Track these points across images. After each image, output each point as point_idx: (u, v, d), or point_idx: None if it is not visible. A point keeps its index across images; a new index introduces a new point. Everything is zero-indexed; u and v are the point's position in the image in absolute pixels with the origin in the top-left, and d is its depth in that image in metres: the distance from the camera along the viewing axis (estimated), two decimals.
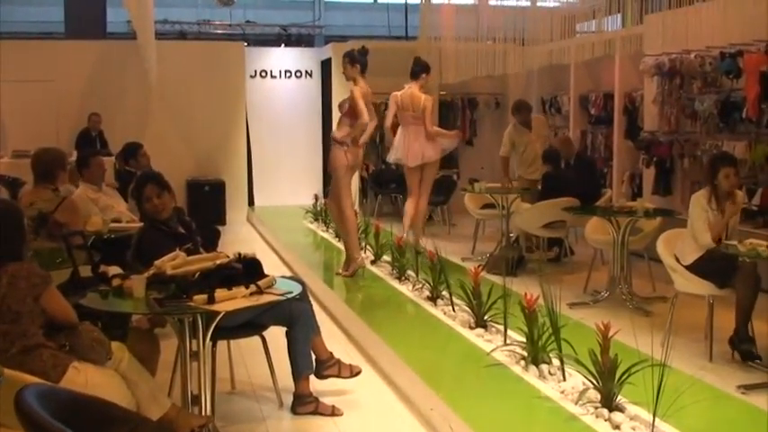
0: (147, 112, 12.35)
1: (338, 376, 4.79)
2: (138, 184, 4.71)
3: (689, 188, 8.35)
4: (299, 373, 4.52)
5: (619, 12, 10.61)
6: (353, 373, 4.84)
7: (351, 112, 7.56)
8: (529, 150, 9.36)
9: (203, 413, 3.90)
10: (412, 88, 8.45)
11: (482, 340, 5.57)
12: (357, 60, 7.63)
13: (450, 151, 9.08)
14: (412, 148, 8.44)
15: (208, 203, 12.35)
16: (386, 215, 11.65)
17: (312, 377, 4.62)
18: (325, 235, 10.59)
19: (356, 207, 8.85)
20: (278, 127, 14.18)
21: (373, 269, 8.10)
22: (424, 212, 9.00)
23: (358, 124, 7.56)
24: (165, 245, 4.28)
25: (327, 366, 4.75)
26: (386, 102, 8.91)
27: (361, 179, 12.64)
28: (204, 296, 3.70)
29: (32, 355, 3.41)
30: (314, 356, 4.67)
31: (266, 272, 4.09)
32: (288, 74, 14.44)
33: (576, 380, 4.53)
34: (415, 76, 8.52)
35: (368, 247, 8.66)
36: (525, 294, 5.00)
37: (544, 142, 9.79)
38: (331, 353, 4.80)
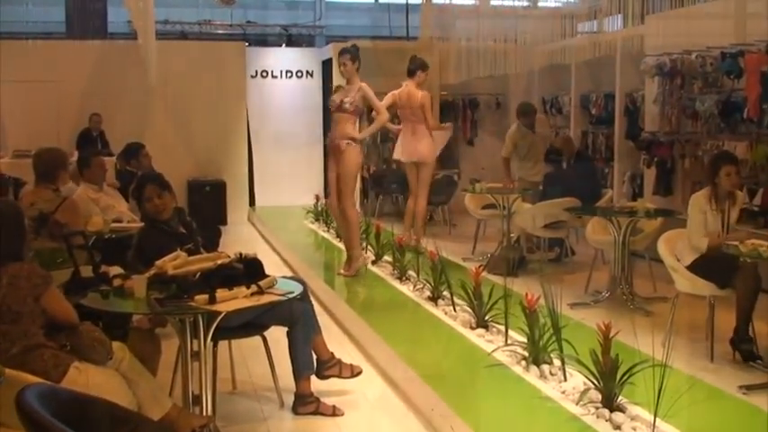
0: (148, 113, 12.35)
1: (339, 376, 4.79)
2: (139, 185, 4.72)
3: (690, 188, 8.34)
4: (299, 374, 4.52)
5: (620, 12, 10.61)
6: (354, 373, 4.84)
7: (357, 110, 7.59)
8: (531, 152, 9.37)
9: (204, 413, 3.91)
10: (409, 86, 8.62)
11: (483, 340, 5.57)
12: (357, 57, 7.64)
13: (442, 149, 9.18)
14: (408, 145, 8.70)
15: (209, 204, 12.34)
16: (387, 215, 11.65)
17: (313, 377, 4.62)
18: (326, 235, 10.59)
19: (357, 207, 8.90)
20: (279, 127, 14.18)
21: (374, 269, 8.10)
22: (423, 213, 9.02)
23: (377, 121, 7.78)
24: (165, 245, 4.29)
25: (328, 367, 4.75)
26: None
27: (362, 179, 12.63)
28: (205, 296, 3.70)
29: (33, 355, 3.41)
30: (315, 356, 4.67)
31: (267, 272, 4.10)
32: (289, 74, 14.44)
33: (577, 380, 4.53)
34: (411, 74, 8.69)
35: (369, 247, 8.67)
36: (526, 294, 5.00)
37: (546, 142, 9.81)
38: (332, 353, 4.80)
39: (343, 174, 7.61)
